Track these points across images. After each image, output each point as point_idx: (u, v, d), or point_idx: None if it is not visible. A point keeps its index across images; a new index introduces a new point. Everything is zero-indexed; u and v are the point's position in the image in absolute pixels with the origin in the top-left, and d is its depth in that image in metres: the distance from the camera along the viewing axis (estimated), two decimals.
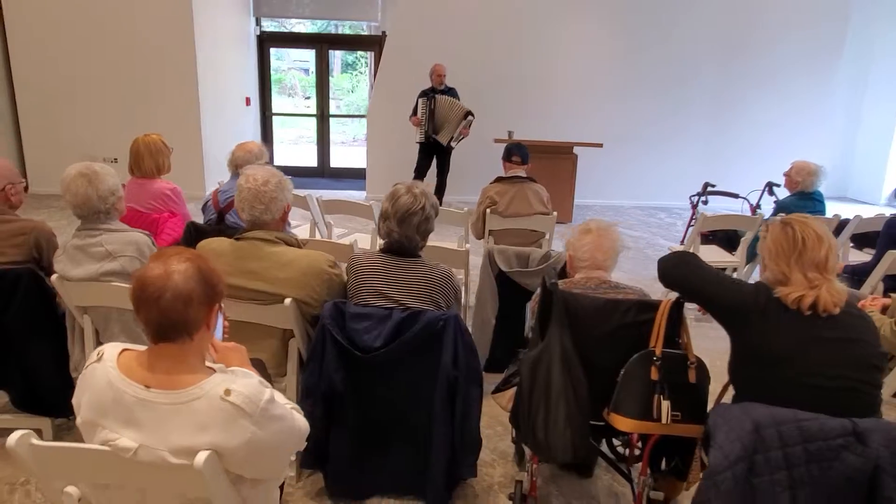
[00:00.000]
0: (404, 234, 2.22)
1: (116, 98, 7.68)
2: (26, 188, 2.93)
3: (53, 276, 2.45)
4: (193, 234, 3.35)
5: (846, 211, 3.88)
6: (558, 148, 7.20)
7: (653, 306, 2.01)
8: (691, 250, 4.27)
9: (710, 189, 5.07)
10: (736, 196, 5.13)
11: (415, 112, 6.91)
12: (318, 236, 4.49)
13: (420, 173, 7.16)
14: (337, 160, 10.32)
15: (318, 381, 2.25)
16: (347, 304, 2.25)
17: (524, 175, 4.11)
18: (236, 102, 8.90)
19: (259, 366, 2.12)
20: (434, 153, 7.12)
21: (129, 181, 3.66)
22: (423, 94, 6.89)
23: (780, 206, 4.30)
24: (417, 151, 7.13)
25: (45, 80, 7.59)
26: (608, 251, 2.17)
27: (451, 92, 6.93)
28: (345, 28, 9.90)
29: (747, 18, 8.12)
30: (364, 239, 4.25)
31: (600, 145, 7.18)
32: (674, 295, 2.05)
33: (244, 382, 1.39)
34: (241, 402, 1.35)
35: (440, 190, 7.34)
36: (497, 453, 2.74)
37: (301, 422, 1.60)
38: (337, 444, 2.32)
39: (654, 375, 1.96)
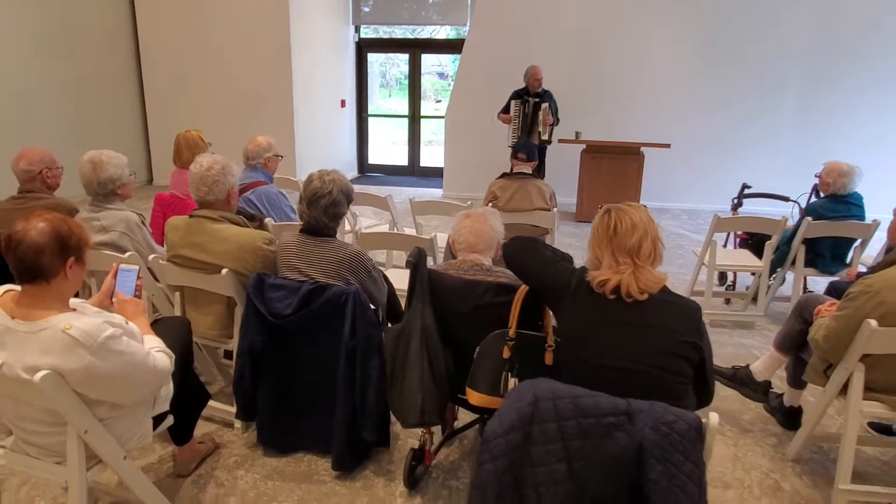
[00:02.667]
0: (313, 216, 2.48)
1: (225, 102, 8.65)
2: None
3: None
4: None
5: None
6: (624, 148, 7.06)
7: (510, 289, 2.11)
8: (707, 252, 4.14)
9: (748, 191, 4.79)
10: (786, 199, 4.80)
11: (506, 110, 6.85)
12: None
13: None
14: (434, 160, 10.57)
15: (244, 343, 2.58)
16: (269, 276, 2.55)
17: (529, 171, 4.21)
18: (332, 104, 9.60)
19: (182, 325, 2.46)
20: None
21: (173, 170, 4.26)
22: (518, 95, 6.77)
23: (809, 210, 4.02)
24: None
25: (168, 89, 8.78)
26: (482, 236, 2.29)
27: (546, 95, 6.78)
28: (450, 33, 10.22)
29: (849, 19, 7.42)
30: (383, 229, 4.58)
31: (668, 146, 6.95)
32: None
33: (87, 321, 1.73)
34: (77, 335, 1.69)
35: None
36: None
37: (158, 362, 1.92)
38: (262, 400, 2.64)
39: (506, 354, 2.07)
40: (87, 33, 7.93)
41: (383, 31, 10.28)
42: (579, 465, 1.65)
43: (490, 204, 4.16)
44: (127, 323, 1.89)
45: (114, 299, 2.16)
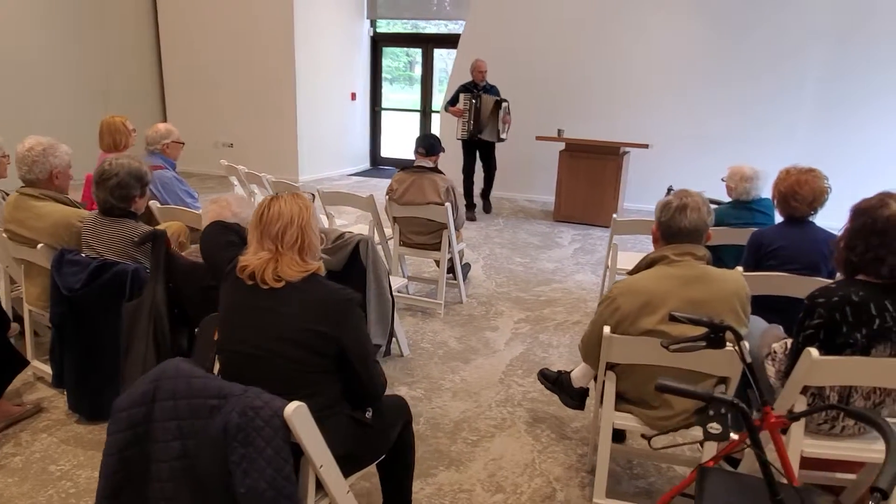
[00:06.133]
0: (100, 196, 2.61)
1: (235, 96, 9.05)
2: None
3: None
4: None
5: None
6: (603, 148, 6.84)
7: None
8: (610, 256, 4.00)
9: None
10: (718, 203, 4.53)
11: (453, 103, 6.92)
12: None
13: (468, 174, 7.14)
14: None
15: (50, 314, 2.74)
16: (71, 252, 2.70)
17: (429, 166, 4.19)
18: (341, 98, 9.79)
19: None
20: (477, 150, 7.08)
21: (99, 154, 4.52)
22: (466, 89, 6.84)
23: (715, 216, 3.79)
24: (462, 149, 7.16)
25: (187, 84, 9.31)
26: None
27: (492, 90, 6.86)
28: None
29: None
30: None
31: (646, 146, 6.68)
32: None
33: None
34: None
35: (488, 186, 7.30)
36: None
37: None
38: (67, 369, 2.79)
39: (216, 336, 2.11)
40: (110, 27, 8.52)
41: (394, 26, 10.41)
42: (190, 444, 1.69)
43: (387, 196, 4.18)
44: None
45: None
